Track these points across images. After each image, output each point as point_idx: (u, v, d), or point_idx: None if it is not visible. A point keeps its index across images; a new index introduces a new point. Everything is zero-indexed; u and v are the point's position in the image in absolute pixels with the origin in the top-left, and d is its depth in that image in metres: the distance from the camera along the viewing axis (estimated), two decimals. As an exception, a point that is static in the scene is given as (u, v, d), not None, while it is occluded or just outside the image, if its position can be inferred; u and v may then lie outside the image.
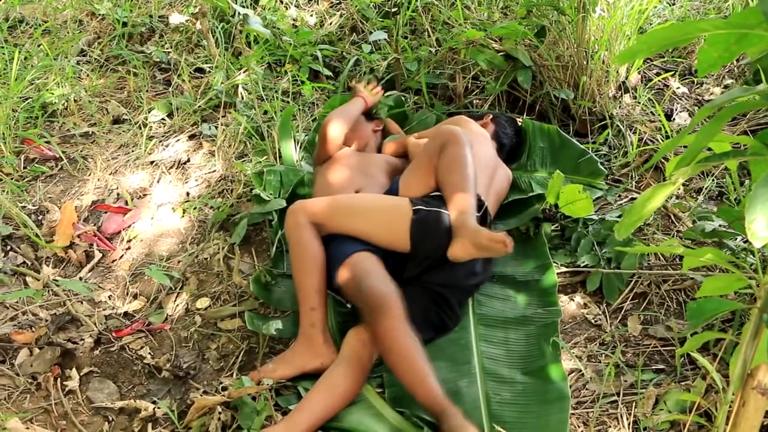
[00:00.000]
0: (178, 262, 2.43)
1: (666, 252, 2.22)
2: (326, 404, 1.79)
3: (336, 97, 3.07)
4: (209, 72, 3.26)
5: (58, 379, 1.98)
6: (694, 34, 1.10)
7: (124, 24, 3.57)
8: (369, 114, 2.90)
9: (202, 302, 2.28)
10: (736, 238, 2.05)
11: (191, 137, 2.97)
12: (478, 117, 2.73)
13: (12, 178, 2.76)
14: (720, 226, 2.05)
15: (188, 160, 2.86)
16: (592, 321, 2.11)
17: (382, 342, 1.82)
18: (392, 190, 2.32)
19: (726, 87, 3.07)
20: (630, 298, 2.15)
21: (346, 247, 2.10)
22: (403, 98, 3.08)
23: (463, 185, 2.09)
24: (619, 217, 2.32)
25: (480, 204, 2.17)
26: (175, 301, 2.30)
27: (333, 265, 2.08)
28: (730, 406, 1.26)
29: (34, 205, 2.66)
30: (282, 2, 3.63)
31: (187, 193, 2.70)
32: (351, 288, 2.00)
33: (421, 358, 1.79)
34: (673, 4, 3.57)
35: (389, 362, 1.82)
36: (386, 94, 3.00)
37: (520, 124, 2.83)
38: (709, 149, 1.61)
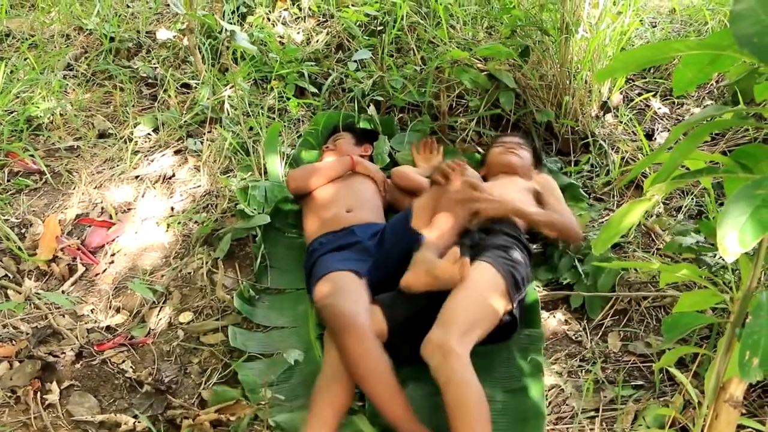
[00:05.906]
0: (162, 276, 2.43)
1: (642, 268, 2.24)
2: (328, 423, 1.78)
3: (322, 114, 3.09)
4: (195, 87, 3.27)
5: (38, 393, 1.96)
6: (669, 54, 1.13)
7: (112, 39, 3.58)
8: (360, 135, 2.90)
9: (185, 316, 2.27)
10: (715, 255, 2.08)
11: (177, 152, 2.98)
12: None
13: (-5, 191, 2.75)
14: (697, 242, 2.09)
15: (173, 175, 2.86)
16: (573, 337, 2.13)
17: (347, 360, 1.82)
18: (406, 214, 2.31)
19: (706, 108, 3.12)
20: (610, 315, 2.18)
21: (329, 265, 2.11)
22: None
23: None
24: (600, 234, 2.35)
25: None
26: (157, 315, 2.29)
27: (312, 281, 2.10)
28: (705, 420, 1.27)
29: (17, 218, 2.64)
30: (269, 19, 3.66)
31: (172, 208, 2.70)
32: (319, 306, 2.02)
33: (387, 377, 1.80)
34: (655, 26, 3.63)
35: (356, 380, 1.82)
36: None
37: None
38: (688, 168, 1.64)
